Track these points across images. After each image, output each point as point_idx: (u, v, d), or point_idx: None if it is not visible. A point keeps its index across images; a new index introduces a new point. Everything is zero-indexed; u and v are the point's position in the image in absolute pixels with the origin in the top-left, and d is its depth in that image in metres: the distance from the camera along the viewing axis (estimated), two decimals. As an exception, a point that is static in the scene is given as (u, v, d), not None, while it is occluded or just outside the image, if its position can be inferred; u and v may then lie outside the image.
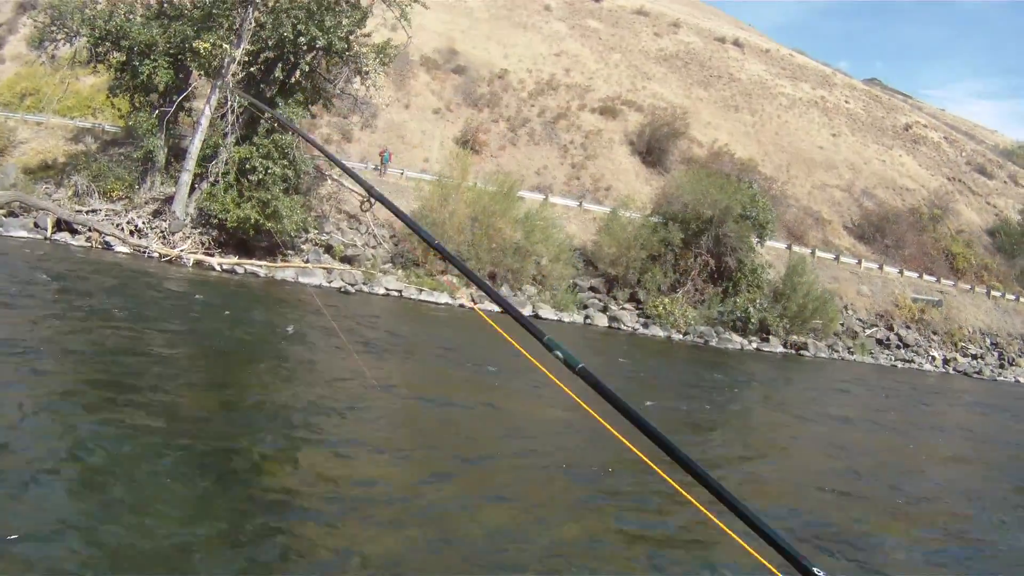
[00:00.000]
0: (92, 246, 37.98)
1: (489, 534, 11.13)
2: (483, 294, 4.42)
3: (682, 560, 11.30)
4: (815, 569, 2.00)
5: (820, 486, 17.26)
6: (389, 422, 16.04)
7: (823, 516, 14.91)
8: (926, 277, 67.36)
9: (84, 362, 16.69)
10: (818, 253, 63.56)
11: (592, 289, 49.61)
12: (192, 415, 14.30)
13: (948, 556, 14.01)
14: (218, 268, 37.56)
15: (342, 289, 39.38)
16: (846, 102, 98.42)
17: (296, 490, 11.71)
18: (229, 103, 39.76)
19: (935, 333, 61.55)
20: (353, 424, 15.22)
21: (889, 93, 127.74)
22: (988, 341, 66.01)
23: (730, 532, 2.75)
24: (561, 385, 3.63)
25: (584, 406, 3.83)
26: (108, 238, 38.43)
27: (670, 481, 3.52)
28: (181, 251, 38.37)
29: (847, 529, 14.22)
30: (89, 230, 38.85)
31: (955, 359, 60.08)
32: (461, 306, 41.82)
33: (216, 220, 39.27)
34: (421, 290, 42.11)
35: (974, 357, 62.45)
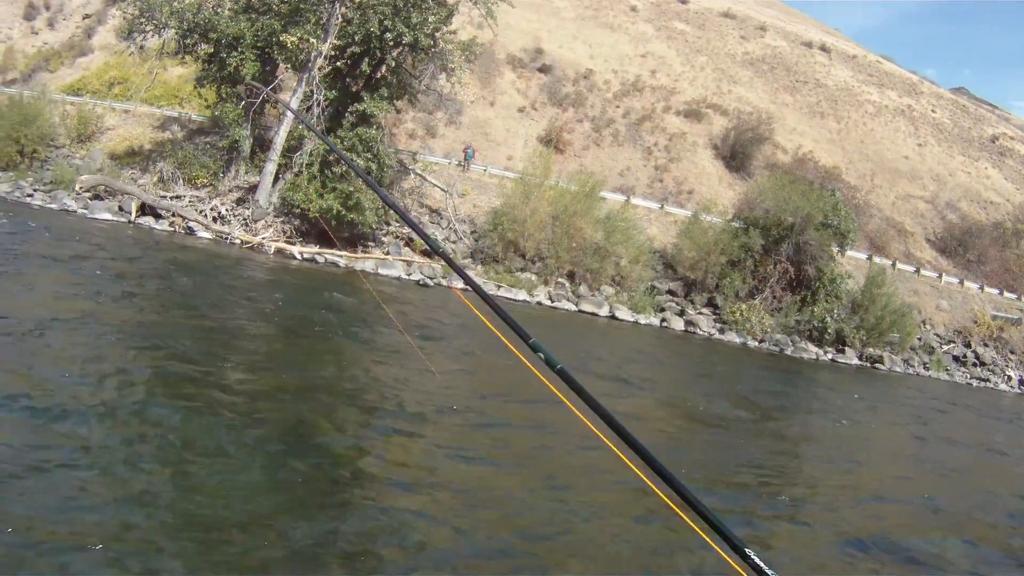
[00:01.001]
0: (175, 230, 39.49)
1: (544, 521, 11.70)
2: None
3: (640, 542, 11.74)
4: (747, 550, 2.29)
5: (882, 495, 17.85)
6: (445, 416, 16.36)
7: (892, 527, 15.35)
8: (1007, 294, 66.43)
9: (165, 339, 17.37)
10: (899, 265, 63.11)
11: (670, 292, 49.82)
12: (265, 394, 15.00)
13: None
14: (299, 256, 38.74)
15: (421, 282, 40.07)
16: (932, 111, 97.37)
17: (362, 470, 12.46)
18: (315, 96, 40.89)
19: (1012, 352, 60.72)
20: (413, 416, 15.59)
21: (976, 103, 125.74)
22: None
23: (680, 513, 2.99)
24: (545, 381, 3.96)
25: (570, 405, 4.08)
26: (191, 223, 39.88)
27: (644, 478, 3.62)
28: (263, 239, 39.66)
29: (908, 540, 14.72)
30: (172, 215, 40.36)
31: None
32: (539, 303, 42.68)
33: (298, 210, 40.44)
34: (500, 286, 42.69)
35: None
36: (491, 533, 10.84)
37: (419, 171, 48.16)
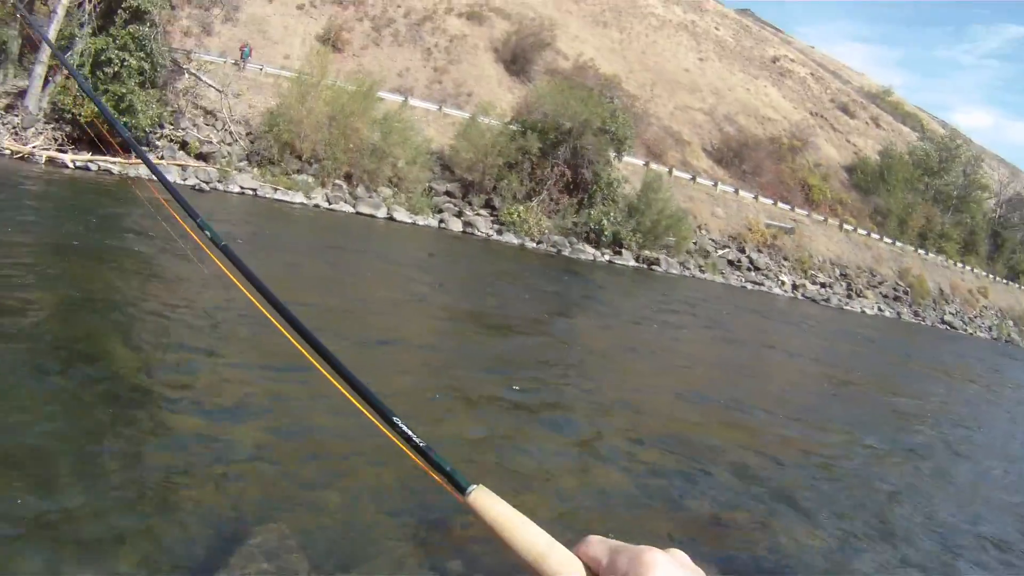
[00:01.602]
0: (-69, 141, 37.45)
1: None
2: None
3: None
4: (395, 418, 2.04)
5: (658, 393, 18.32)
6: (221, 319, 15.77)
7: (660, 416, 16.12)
8: (780, 204, 70.09)
9: None
10: (675, 172, 65.18)
11: (448, 194, 50.13)
12: (39, 310, 14.11)
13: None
14: (71, 165, 37.00)
15: (196, 187, 39.15)
16: (716, 29, 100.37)
17: (143, 385, 11.56)
18: None
19: (786, 259, 64.39)
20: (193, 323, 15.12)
21: (760, 25, 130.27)
22: (837, 271, 69.61)
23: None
24: (216, 260, 3.51)
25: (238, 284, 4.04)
26: (-47, 135, 37.93)
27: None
28: (33, 148, 37.54)
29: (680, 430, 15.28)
30: (-70, 125, 38.23)
31: (804, 285, 63.02)
32: (316, 206, 42.36)
33: (70, 115, 38.34)
34: (276, 189, 42.25)
35: (823, 285, 65.81)
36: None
37: (193, 70, 46.77)
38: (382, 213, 44.49)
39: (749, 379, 23.43)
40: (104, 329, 13.71)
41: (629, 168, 59.15)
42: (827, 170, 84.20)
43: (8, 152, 36.49)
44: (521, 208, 49.55)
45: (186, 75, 46.32)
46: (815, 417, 19.44)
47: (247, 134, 46.38)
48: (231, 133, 45.95)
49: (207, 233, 3.87)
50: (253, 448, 9.66)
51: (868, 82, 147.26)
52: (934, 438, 20.93)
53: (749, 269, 60.51)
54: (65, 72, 38.88)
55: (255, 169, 43.77)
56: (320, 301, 19.54)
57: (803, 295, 61.14)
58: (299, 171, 44.83)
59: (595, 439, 13.55)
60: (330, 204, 43.35)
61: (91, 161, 37.64)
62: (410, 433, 1.75)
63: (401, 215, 45.05)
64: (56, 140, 38.52)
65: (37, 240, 20.10)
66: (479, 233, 46.96)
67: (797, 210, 71.16)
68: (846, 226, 76.17)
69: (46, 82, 39.53)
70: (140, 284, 17.20)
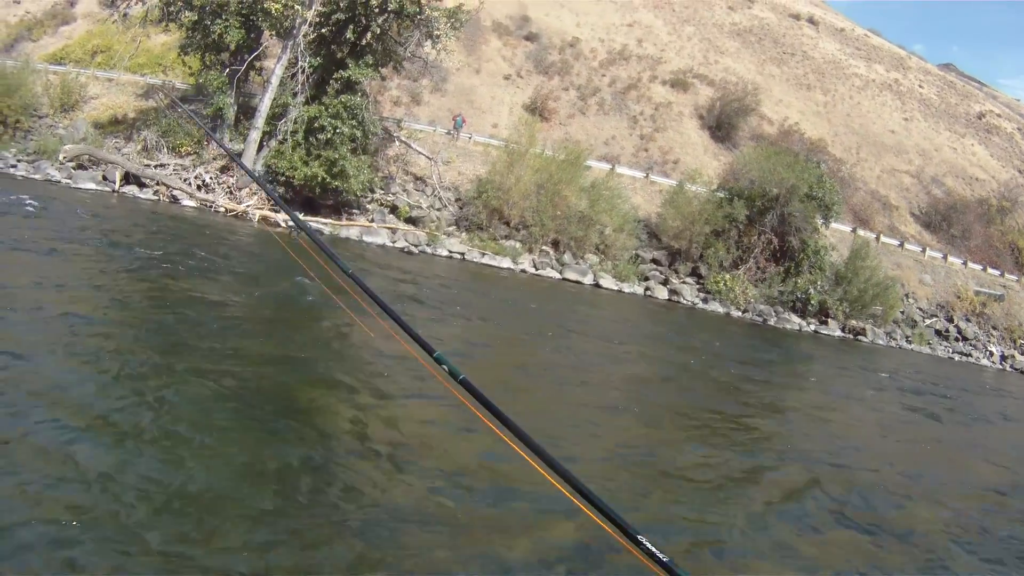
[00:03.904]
0: (160, 199, 38.94)
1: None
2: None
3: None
4: (640, 537, 2.36)
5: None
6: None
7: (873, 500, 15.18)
8: (990, 270, 66.39)
9: (148, 307, 17.46)
10: (883, 239, 63.00)
11: (654, 261, 49.56)
12: (243, 363, 14.72)
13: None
14: (282, 224, 37.92)
15: (405, 249, 40.00)
16: (920, 86, 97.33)
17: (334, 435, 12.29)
18: (299, 63, 40.44)
19: (995, 328, 60.91)
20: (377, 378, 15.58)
21: (964, 79, 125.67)
22: None
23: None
24: (451, 388, 3.90)
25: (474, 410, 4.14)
26: (176, 192, 39.42)
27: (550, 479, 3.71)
28: (247, 207, 39.19)
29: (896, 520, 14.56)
30: (157, 184, 39.79)
31: (1013, 356, 59.47)
32: (523, 271, 42.61)
33: (283, 178, 40.01)
34: (484, 253, 42.63)
35: None
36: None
37: (404, 138, 47.48)
38: (588, 280, 44.21)
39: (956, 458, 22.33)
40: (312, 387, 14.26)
41: (836, 235, 57.47)
42: None
43: (223, 210, 38.44)
44: (727, 276, 48.46)
45: (396, 143, 47.20)
46: None
47: (456, 200, 46.99)
48: (440, 199, 46.58)
49: (444, 367, 4.24)
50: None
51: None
52: None
53: (957, 339, 57.75)
54: (280, 137, 40.63)
55: (463, 234, 44.28)
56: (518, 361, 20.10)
57: (1012, 366, 57.74)
58: (507, 237, 45.06)
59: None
60: (536, 269, 43.39)
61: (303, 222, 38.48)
62: (654, 551, 2.04)
63: (607, 282, 44.66)
64: (269, 201, 39.87)
65: (249, 295, 21.14)
66: (684, 301, 46.16)
67: (1007, 275, 67.66)
68: None
69: (261, 147, 40.99)
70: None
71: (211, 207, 39.14)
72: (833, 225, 56.06)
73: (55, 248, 20.89)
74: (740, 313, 47.51)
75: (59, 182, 38.34)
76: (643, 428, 17.07)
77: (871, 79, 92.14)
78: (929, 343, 55.02)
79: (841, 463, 17.41)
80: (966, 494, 17.65)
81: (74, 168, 40.53)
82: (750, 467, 15.61)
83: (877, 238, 62.12)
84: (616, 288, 44.81)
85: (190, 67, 45.22)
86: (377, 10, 39.98)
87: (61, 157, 40.88)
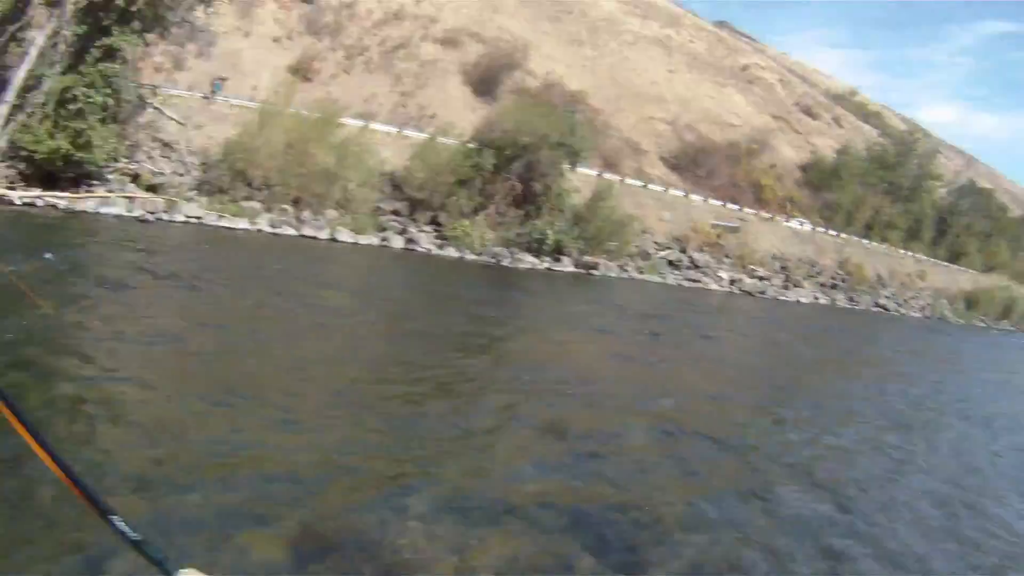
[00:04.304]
0: None
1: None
2: None
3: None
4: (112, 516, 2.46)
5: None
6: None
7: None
8: (730, 205, 71.92)
9: None
10: (628, 181, 66.68)
11: (394, 212, 50.73)
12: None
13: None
14: (17, 202, 36.87)
15: (141, 218, 39.00)
16: (691, 41, 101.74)
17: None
18: (62, 32, 38.84)
19: (727, 257, 66.21)
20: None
21: (736, 36, 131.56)
22: (777, 265, 71.20)
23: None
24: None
25: None
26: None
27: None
28: (-12, 186, 37.51)
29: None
30: None
31: (742, 280, 64.47)
32: (260, 231, 43.07)
33: (26, 153, 38.46)
34: (222, 216, 42.54)
35: (761, 279, 67.24)
36: None
37: (157, 104, 47.01)
38: (324, 234, 45.09)
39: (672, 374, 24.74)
40: None
41: (583, 180, 59.74)
42: (782, 170, 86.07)
43: None
44: (466, 223, 50.34)
45: (149, 109, 46.32)
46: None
47: (201, 164, 46.72)
48: (185, 164, 46.36)
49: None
50: None
51: (836, 84, 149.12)
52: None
53: (688, 268, 61.88)
54: (28, 111, 38.76)
55: (204, 198, 44.14)
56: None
57: (739, 289, 62.50)
58: (248, 198, 45.31)
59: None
60: (273, 228, 43.77)
61: (38, 197, 37.69)
62: (126, 530, 2.33)
63: (344, 235, 45.66)
64: (7, 177, 38.48)
65: None
66: (420, 248, 47.63)
67: (746, 210, 72.72)
68: (793, 222, 77.97)
69: (8, 121, 39.01)
70: None
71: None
72: (581, 170, 58.72)
73: None
74: (475, 256, 49.31)
75: None
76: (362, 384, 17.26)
77: (643, 35, 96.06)
78: (660, 273, 58.86)
79: (558, 388, 18.99)
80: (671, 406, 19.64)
81: None
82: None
83: (622, 180, 65.34)
84: (352, 241, 45.75)
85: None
86: (148, -27, 39.07)
87: None
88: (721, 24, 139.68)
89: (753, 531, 11.89)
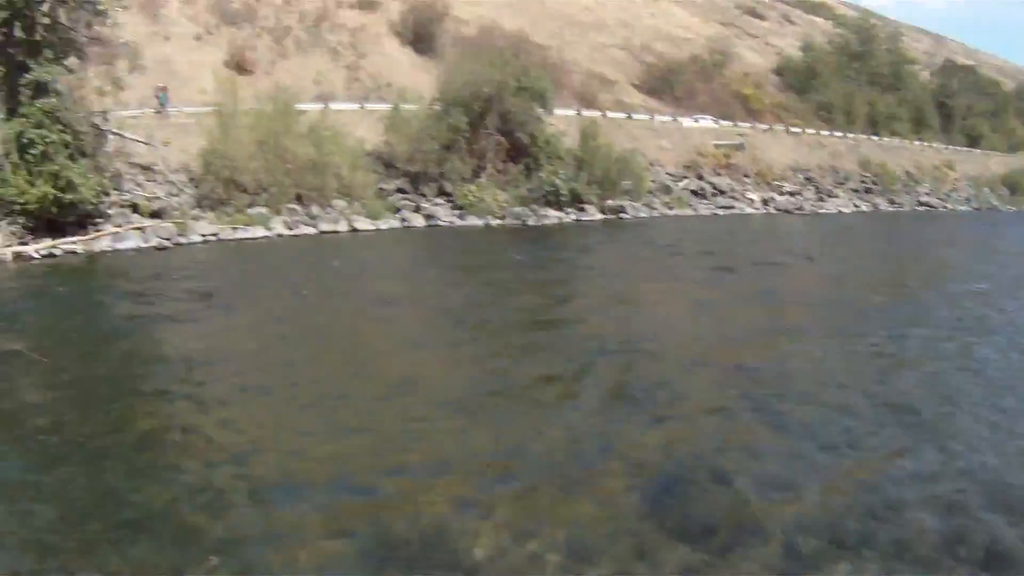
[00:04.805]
0: None
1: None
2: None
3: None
4: None
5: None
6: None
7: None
8: (723, 123, 70.05)
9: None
10: (609, 114, 64.55)
11: (400, 191, 49.41)
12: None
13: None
14: (37, 256, 35.63)
15: (159, 246, 37.99)
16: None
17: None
18: None
19: (746, 176, 64.80)
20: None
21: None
22: (800, 177, 69.58)
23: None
24: None
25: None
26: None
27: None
28: (-2, 248, 38.16)
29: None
30: None
31: (773, 199, 63.03)
32: (279, 235, 41.74)
33: (18, 206, 36.72)
34: (236, 228, 41.39)
35: (791, 194, 65.63)
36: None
37: (116, 130, 44.60)
38: (343, 226, 44.05)
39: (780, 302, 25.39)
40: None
41: (563, 121, 57.77)
42: (757, 77, 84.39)
43: None
44: (473, 187, 49.05)
45: (110, 136, 44.36)
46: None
47: (190, 180, 45.23)
48: (174, 183, 44.74)
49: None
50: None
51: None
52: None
53: (714, 195, 60.32)
54: None
55: (209, 213, 42.80)
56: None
57: (775, 208, 61.38)
58: (250, 205, 43.92)
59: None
60: (291, 230, 42.80)
61: (54, 247, 36.38)
62: None
63: (362, 223, 44.56)
64: (15, 234, 36.80)
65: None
66: (442, 222, 46.49)
67: (740, 124, 71.04)
68: (793, 129, 76.03)
69: None
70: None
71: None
72: (557, 112, 57.02)
73: None
74: (499, 221, 47.97)
75: None
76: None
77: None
78: (690, 205, 57.41)
79: (655, 342, 19.11)
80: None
81: None
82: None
83: (603, 115, 63.19)
84: (373, 227, 44.60)
85: None
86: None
87: None
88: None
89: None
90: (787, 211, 61.21)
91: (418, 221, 46.38)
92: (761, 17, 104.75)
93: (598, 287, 28.43)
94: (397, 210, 47.25)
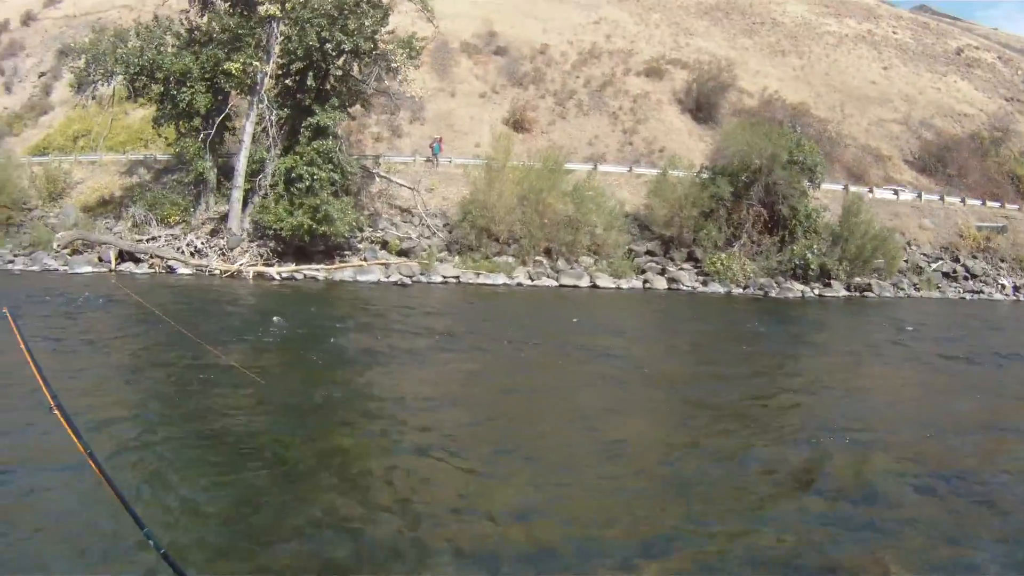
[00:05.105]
0: (156, 271, 40.44)
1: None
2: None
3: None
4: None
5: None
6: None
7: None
8: (990, 203, 66.42)
9: (161, 388, 17.94)
10: (876, 191, 63.09)
11: (649, 253, 49.80)
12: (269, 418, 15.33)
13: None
14: (278, 277, 39.67)
15: (399, 282, 40.81)
16: (894, 32, 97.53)
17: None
18: (267, 117, 42.10)
19: (1003, 260, 61.23)
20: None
21: (938, 19, 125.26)
22: None
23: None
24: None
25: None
26: (170, 262, 40.86)
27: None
28: (240, 265, 40.63)
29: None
30: (151, 257, 41.27)
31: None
32: (519, 284, 43.25)
33: (272, 231, 41.36)
34: (479, 274, 43.43)
35: None
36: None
37: (383, 173, 48.69)
38: (584, 282, 44.90)
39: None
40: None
41: (829, 195, 57.59)
42: None
43: (218, 272, 40.01)
44: (723, 256, 48.82)
45: (377, 179, 48.52)
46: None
47: (445, 225, 47.97)
48: (428, 227, 47.60)
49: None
50: None
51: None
52: None
53: (965, 278, 57.86)
54: (262, 192, 42.37)
55: (455, 257, 45.20)
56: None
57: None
58: (498, 253, 45.90)
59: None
60: (532, 280, 44.05)
61: (296, 271, 40.50)
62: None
63: (603, 281, 45.29)
64: (261, 256, 41.53)
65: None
66: (684, 287, 46.46)
67: (1008, 206, 67.34)
68: None
69: (245, 204, 42.60)
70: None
71: (206, 270, 40.55)
72: (825, 186, 56.19)
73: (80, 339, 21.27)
74: (741, 290, 47.67)
75: (56, 270, 39.64)
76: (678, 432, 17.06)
77: (844, 34, 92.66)
78: (938, 287, 55.07)
79: (885, 431, 17.44)
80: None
81: (69, 254, 41.87)
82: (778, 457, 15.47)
83: (870, 191, 62.06)
84: (614, 286, 45.30)
85: (167, 138, 46.52)
86: (334, 53, 41.27)
87: (56, 245, 42.28)
88: (920, 8, 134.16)
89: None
90: (1036, 299, 57.10)
91: (660, 284, 46.38)
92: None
93: (832, 366, 26.59)
94: (642, 271, 47.64)
